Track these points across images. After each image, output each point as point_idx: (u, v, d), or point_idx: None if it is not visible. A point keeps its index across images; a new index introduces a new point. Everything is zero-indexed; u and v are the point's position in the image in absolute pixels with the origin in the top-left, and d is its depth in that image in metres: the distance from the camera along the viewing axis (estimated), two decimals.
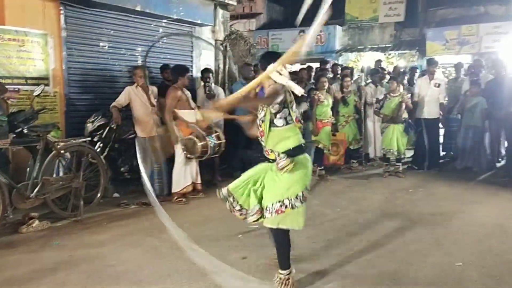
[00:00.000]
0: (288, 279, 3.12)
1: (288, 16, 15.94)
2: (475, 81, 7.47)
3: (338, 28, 14.52)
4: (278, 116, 3.02)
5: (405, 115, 7.11)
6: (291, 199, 2.99)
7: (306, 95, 7.25)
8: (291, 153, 3.01)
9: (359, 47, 14.40)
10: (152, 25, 7.07)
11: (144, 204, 5.49)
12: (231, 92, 7.45)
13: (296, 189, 3.01)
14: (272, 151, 3.07)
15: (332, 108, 7.07)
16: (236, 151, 6.93)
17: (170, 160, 5.73)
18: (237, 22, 12.28)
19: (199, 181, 5.86)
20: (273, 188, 3.05)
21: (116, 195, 5.85)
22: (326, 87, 7.00)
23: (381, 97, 7.35)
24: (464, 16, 13.47)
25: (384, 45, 14.08)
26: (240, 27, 13.19)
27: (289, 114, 3.05)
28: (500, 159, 7.91)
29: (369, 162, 8.21)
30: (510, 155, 7.17)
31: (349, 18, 14.55)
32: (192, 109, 5.73)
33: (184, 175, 5.65)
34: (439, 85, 7.49)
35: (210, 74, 6.79)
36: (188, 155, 5.52)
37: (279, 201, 2.99)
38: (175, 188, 5.66)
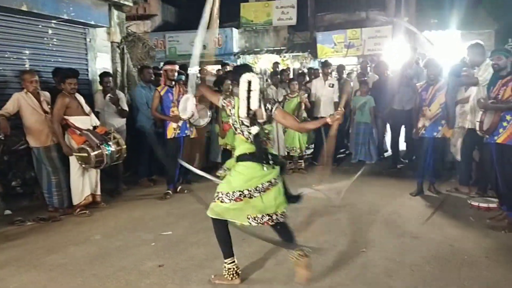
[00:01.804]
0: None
1: (183, 18, 15.81)
2: (363, 81, 8.13)
3: (235, 30, 14.79)
4: None
5: (304, 114, 7.49)
6: None
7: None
8: None
9: (255, 49, 14.82)
10: (40, 26, 6.53)
11: (42, 220, 5.08)
12: (131, 96, 7.19)
13: None
14: None
15: None
16: (141, 157, 6.71)
17: (69, 171, 5.36)
18: (133, 24, 11.85)
19: (98, 192, 5.59)
20: None
21: (8, 212, 5.29)
22: (230, 89, 7.08)
23: (281, 98, 7.64)
24: (349, 21, 14.62)
25: (279, 48, 14.68)
26: (136, 29, 12.76)
27: None
28: (386, 151, 8.73)
29: None
30: (394, 147, 7.94)
31: (245, 22, 14.90)
32: (87, 115, 5.43)
33: (82, 187, 5.35)
34: (333, 85, 8.01)
35: (110, 78, 6.49)
36: (84, 165, 5.22)
37: None
38: (74, 201, 5.35)
